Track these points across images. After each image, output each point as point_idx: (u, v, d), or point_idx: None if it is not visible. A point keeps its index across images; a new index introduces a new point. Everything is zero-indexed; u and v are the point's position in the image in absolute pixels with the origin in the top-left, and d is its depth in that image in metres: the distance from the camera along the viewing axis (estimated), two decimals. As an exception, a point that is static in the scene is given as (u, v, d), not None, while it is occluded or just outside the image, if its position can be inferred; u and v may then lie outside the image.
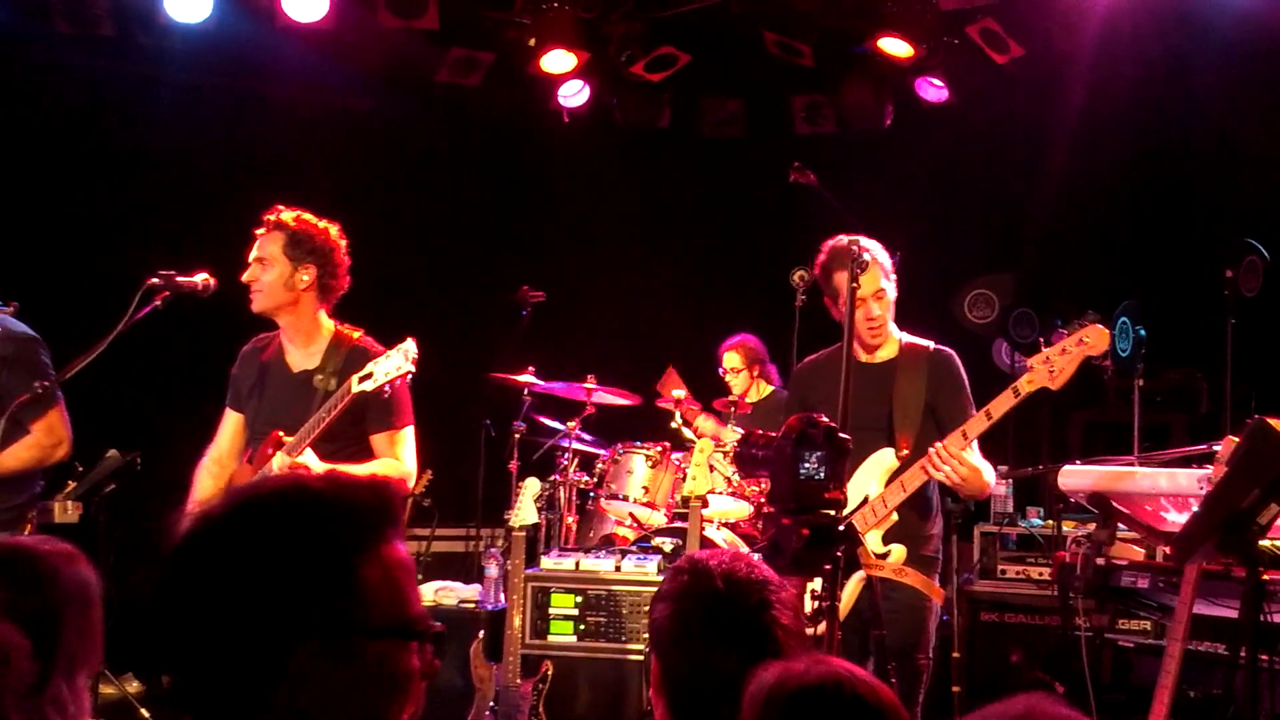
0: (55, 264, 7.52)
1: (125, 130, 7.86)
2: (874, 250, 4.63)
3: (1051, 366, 4.26)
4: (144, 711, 6.39)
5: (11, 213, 7.61)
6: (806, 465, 3.32)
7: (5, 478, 4.71)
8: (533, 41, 8.20)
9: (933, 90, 8.32)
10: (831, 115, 8.90)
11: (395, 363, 4.33)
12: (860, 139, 8.69)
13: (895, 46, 7.90)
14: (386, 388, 4.34)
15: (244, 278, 4.58)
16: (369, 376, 4.33)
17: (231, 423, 4.83)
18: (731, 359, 7.60)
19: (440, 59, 8.32)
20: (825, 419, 3.40)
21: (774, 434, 3.50)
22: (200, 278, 4.56)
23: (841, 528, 3.37)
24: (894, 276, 4.76)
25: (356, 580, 1.52)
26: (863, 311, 4.63)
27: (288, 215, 4.60)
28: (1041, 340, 4.38)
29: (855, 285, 4.32)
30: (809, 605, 3.69)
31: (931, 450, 4.41)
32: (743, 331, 7.72)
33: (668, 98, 8.99)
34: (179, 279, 4.49)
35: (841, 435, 3.40)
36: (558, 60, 8.19)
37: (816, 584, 3.50)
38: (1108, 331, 4.27)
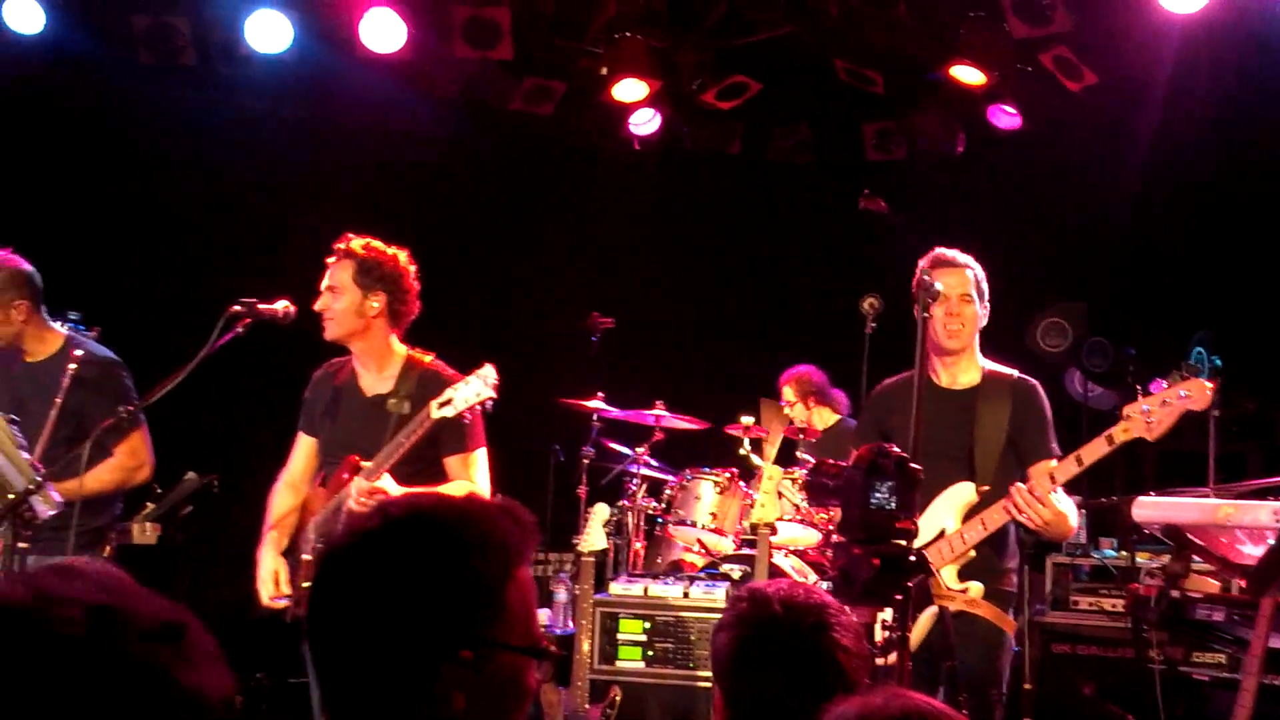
0: (137, 290, 7.70)
1: (206, 158, 8.04)
2: (972, 264, 4.64)
3: (1150, 418, 4.20)
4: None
5: (95, 239, 7.81)
6: (878, 495, 3.32)
7: (87, 499, 4.82)
8: (605, 70, 8.29)
9: (1005, 117, 8.29)
10: (902, 142, 8.90)
11: (475, 389, 4.39)
12: (931, 166, 8.67)
13: (967, 74, 7.88)
14: (466, 414, 4.40)
15: (316, 306, 4.67)
16: (448, 402, 4.40)
17: (305, 446, 4.92)
18: (786, 393, 7.59)
19: (513, 88, 8.43)
20: (896, 449, 3.41)
21: (844, 463, 3.51)
22: (280, 305, 4.64)
23: (913, 558, 3.37)
24: (986, 295, 4.74)
25: (503, 601, 1.63)
26: (944, 309, 4.62)
27: (357, 243, 4.69)
28: (1139, 388, 4.32)
29: (927, 315, 4.32)
30: (879, 635, 3.68)
31: (1014, 491, 4.37)
32: (805, 361, 7.71)
33: (738, 125, 9.04)
34: (260, 306, 4.57)
35: (913, 465, 3.40)
36: (629, 89, 8.27)
37: (888, 614, 3.50)
38: (1211, 386, 4.19)
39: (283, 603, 4.71)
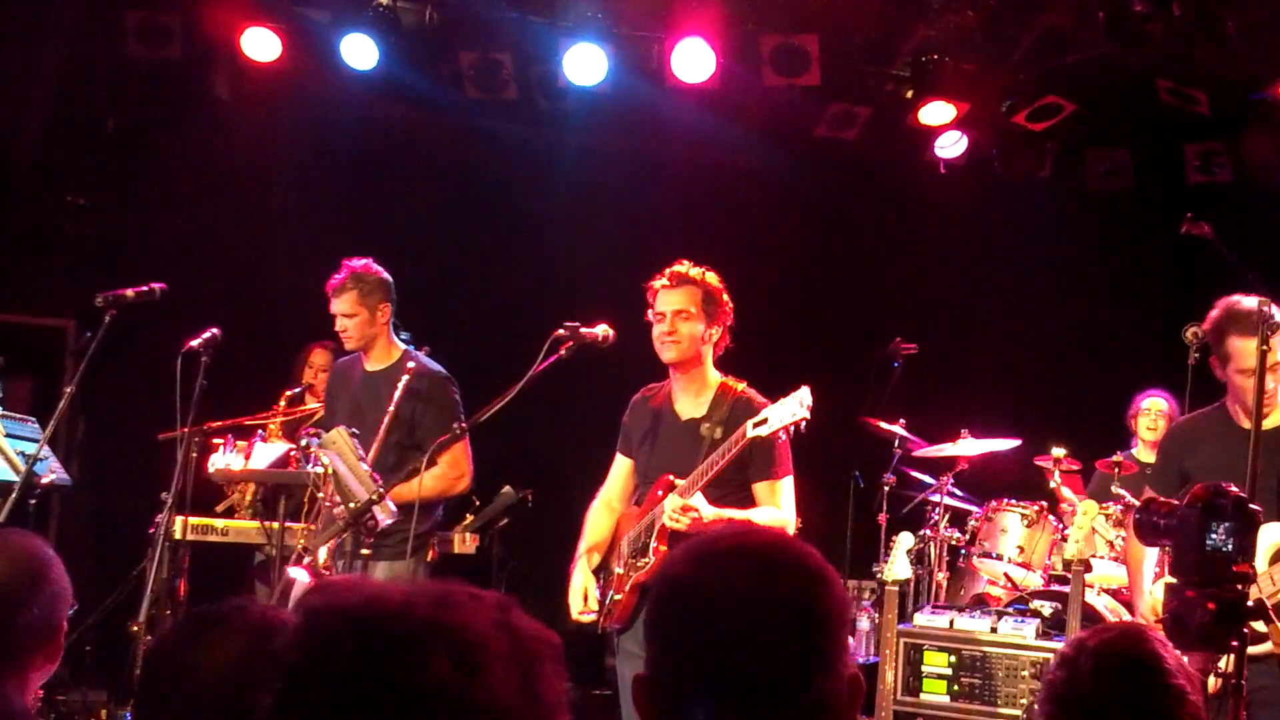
0: (466, 312, 8.12)
1: (528, 187, 8.43)
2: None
3: None
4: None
5: (427, 264, 8.27)
6: (1214, 536, 3.18)
7: (413, 504, 5.05)
8: (911, 93, 8.23)
9: (1341, 137, 7.79)
10: (1228, 165, 8.47)
11: (790, 409, 4.43)
12: (1260, 190, 8.21)
13: (1299, 93, 7.45)
14: (781, 433, 4.45)
15: (663, 328, 4.74)
16: (764, 422, 4.45)
17: (622, 467, 5.06)
18: (1159, 403, 7.23)
19: (818, 114, 8.46)
20: (1235, 489, 3.26)
21: (1177, 502, 3.38)
22: (601, 329, 4.79)
23: (1250, 603, 3.22)
24: None
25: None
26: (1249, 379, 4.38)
27: (697, 272, 4.78)
28: None
29: (1266, 348, 4.11)
30: (1212, 684, 3.52)
31: None
32: (1122, 394, 7.40)
33: (1050, 147, 8.80)
34: (583, 330, 4.73)
35: (1252, 507, 3.25)
36: (937, 112, 8.19)
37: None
38: None
39: (590, 617, 4.85)
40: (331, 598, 1.31)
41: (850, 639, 6.24)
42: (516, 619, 1.31)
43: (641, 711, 1.66)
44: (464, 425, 4.80)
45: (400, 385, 5.07)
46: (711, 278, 4.79)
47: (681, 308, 4.73)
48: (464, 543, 6.71)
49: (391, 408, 5.08)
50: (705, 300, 4.74)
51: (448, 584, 1.34)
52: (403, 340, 5.77)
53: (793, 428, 4.46)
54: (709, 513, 4.45)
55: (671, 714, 1.63)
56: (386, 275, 5.60)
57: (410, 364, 5.25)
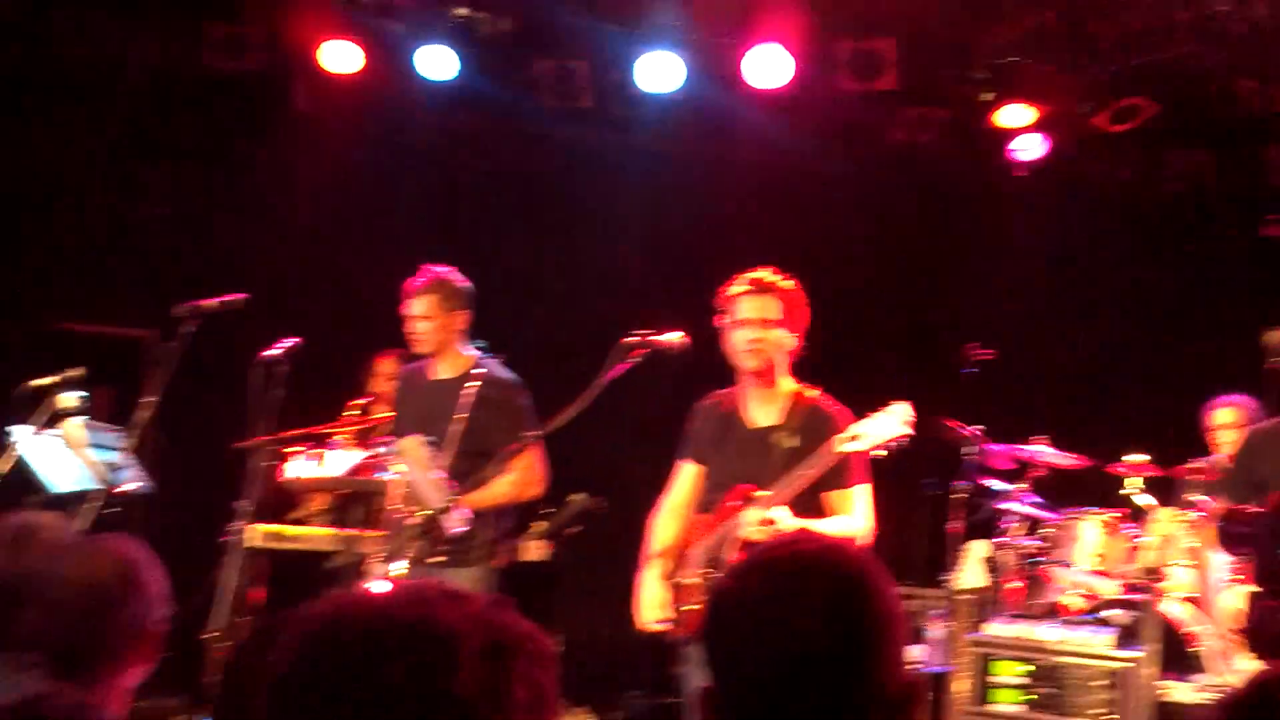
0: (540, 319, 8.18)
1: (602, 193, 8.47)
2: None
3: None
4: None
5: (501, 271, 8.34)
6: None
7: (484, 511, 5.11)
8: (989, 96, 8.15)
9: None
10: (1313, 167, 8.29)
11: (890, 426, 4.39)
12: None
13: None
14: (880, 450, 4.42)
15: (749, 337, 4.74)
16: (856, 438, 4.41)
17: (689, 474, 5.05)
18: (1226, 415, 7.08)
19: (895, 118, 8.41)
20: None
21: (1260, 509, 3.33)
22: (675, 336, 4.78)
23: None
24: None
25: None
26: None
27: (781, 279, 4.78)
28: None
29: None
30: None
31: None
32: (1197, 400, 7.26)
33: (1130, 149, 8.66)
34: (655, 338, 4.74)
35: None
36: (1015, 114, 8.11)
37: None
38: None
39: (661, 626, 4.86)
40: (317, 609, 1.38)
41: (921, 647, 6.18)
42: (501, 619, 1.36)
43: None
44: (537, 432, 4.83)
45: (470, 393, 5.11)
46: (793, 285, 4.78)
47: (766, 315, 4.72)
48: (535, 550, 6.75)
49: (462, 415, 5.12)
50: (788, 308, 4.74)
51: (433, 585, 1.40)
52: (478, 347, 5.82)
53: (894, 444, 4.40)
54: (790, 525, 4.44)
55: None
56: (468, 284, 5.63)
57: (481, 371, 5.28)
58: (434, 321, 5.52)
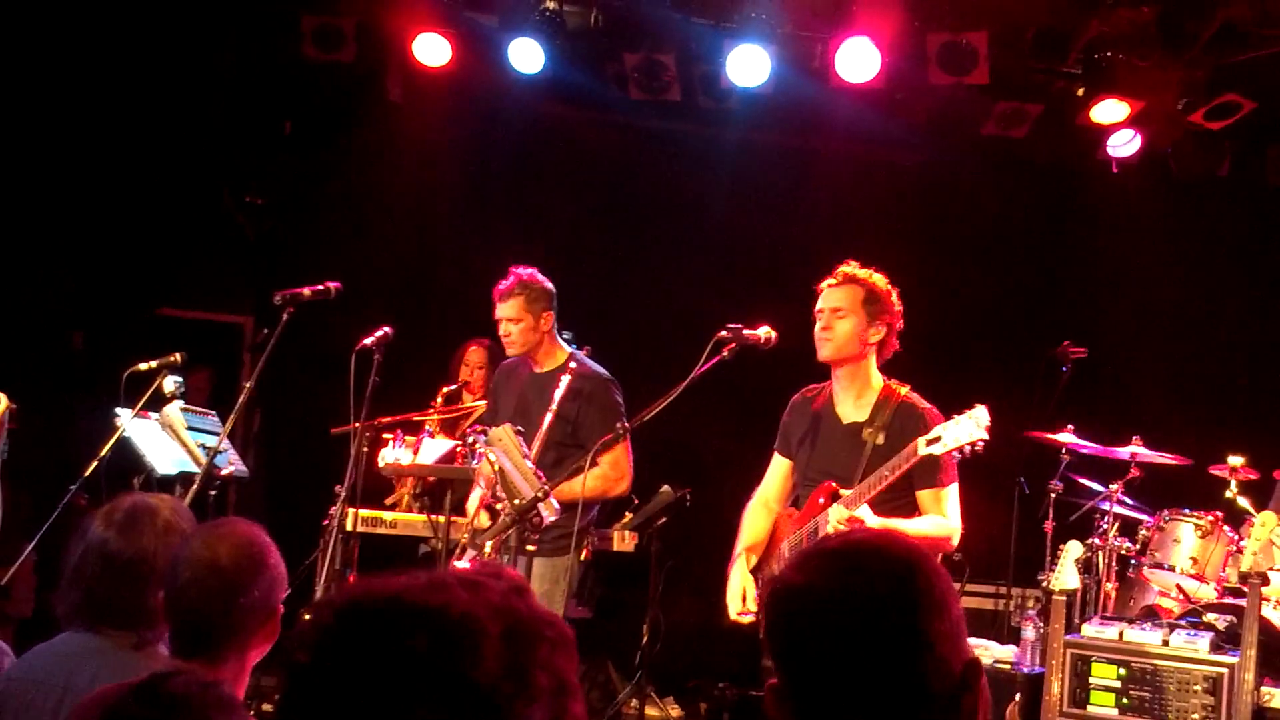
0: (628, 311, 8.20)
1: (690, 186, 8.47)
2: None
3: None
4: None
5: (589, 263, 8.38)
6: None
7: (570, 503, 5.11)
8: (1083, 91, 8.03)
9: None
10: None
11: (967, 430, 4.36)
12: None
13: None
14: (955, 453, 4.40)
15: (820, 326, 4.76)
16: (937, 440, 4.39)
17: (780, 468, 5.04)
18: None
19: (987, 111, 8.31)
20: None
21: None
22: (763, 331, 4.78)
23: None
24: None
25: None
26: None
27: (864, 272, 4.77)
28: None
29: None
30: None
31: None
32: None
33: (1228, 145, 8.49)
34: (745, 332, 4.74)
35: None
36: (1109, 110, 7.98)
37: None
38: None
39: (749, 618, 4.85)
40: (335, 594, 1.39)
41: (1015, 647, 6.10)
42: (521, 604, 1.34)
43: (772, 716, 1.71)
44: (627, 425, 4.84)
45: (563, 385, 5.15)
46: (878, 279, 4.77)
47: (840, 305, 4.73)
48: (623, 540, 6.77)
49: (554, 407, 5.17)
50: (867, 300, 4.72)
51: (452, 572, 1.38)
52: (564, 339, 5.86)
53: (969, 449, 4.39)
54: (874, 524, 4.41)
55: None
56: (550, 285, 5.73)
57: (573, 365, 5.35)
58: (521, 323, 5.62)
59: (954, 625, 1.69)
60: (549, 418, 5.25)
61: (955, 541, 4.84)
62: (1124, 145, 8.38)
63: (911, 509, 4.67)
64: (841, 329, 4.72)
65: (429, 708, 1.24)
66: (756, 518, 5.02)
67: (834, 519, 4.50)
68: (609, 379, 5.64)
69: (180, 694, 1.87)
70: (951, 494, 4.69)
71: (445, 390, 7.06)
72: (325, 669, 1.29)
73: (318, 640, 1.31)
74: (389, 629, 1.28)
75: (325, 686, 1.28)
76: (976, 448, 4.39)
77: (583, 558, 5.65)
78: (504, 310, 5.65)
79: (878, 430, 4.70)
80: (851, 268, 4.79)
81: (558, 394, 5.22)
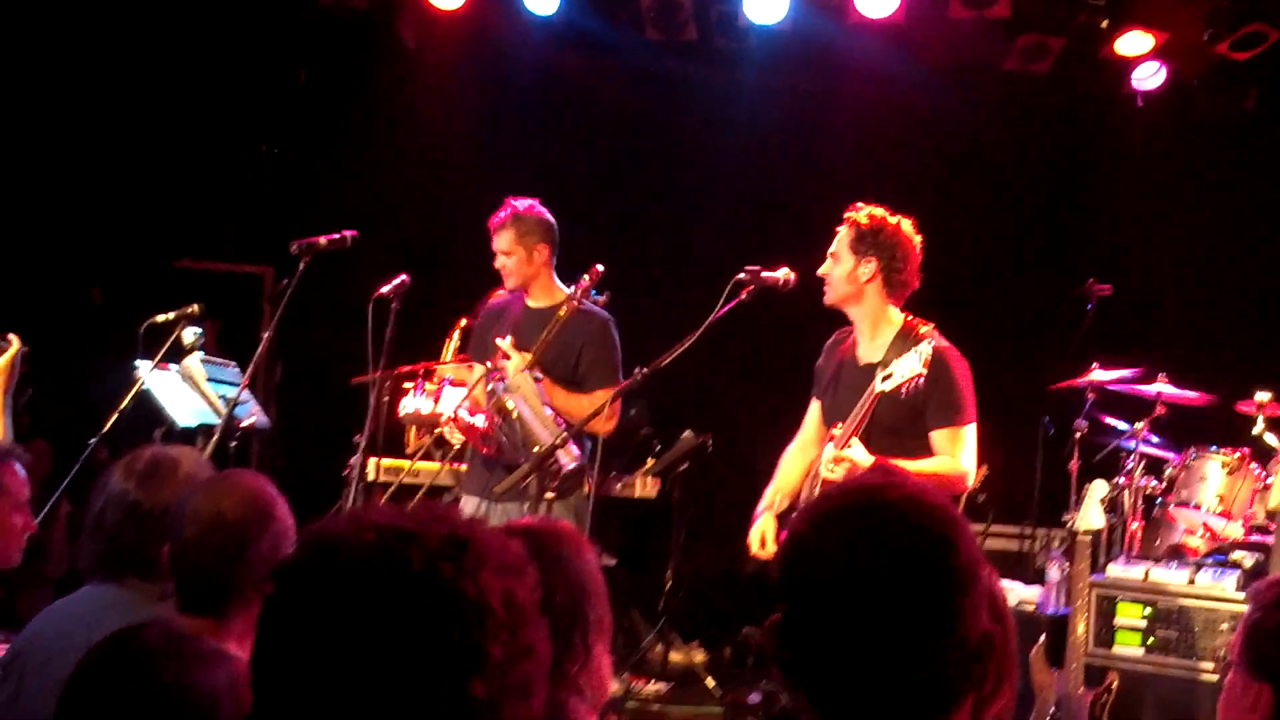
0: (646, 254, 8.16)
1: (707, 128, 8.39)
2: None
3: None
4: (709, 680, 6.77)
5: (606, 207, 8.33)
6: None
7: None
8: (1106, 23, 7.89)
9: None
10: None
11: (910, 364, 4.38)
12: None
13: None
14: (904, 388, 4.37)
15: (819, 271, 4.75)
16: (889, 376, 4.40)
17: (815, 412, 4.99)
18: None
19: (1008, 47, 8.19)
20: None
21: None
22: (782, 273, 4.72)
23: None
24: None
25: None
26: None
27: (860, 212, 4.71)
28: None
29: None
30: None
31: None
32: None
33: (1255, 77, 8.34)
34: (764, 274, 4.67)
35: None
36: (1134, 42, 7.85)
37: None
38: None
39: (766, 557, 4.82)
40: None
41: (1040, 588, 6.08)
42: (474, 532, 1.40)
43: (770, 653, 1.65)
44: (645, 370, 4.78)
45: (559, 322, 5.06)
46: (866, 215, 4.69)
47: (835, 248, 4.71)
48: (645, 487, 6.76)
49: (548, 336, 5.05)
50: (856, 239, 4.67)
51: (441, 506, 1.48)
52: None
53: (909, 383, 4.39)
54: (865, 461, 4.36)
55: (792, 662, 1.63)
56: (549, 217, 5.57)
57: (571, 302, 5.18)
58: (514, 256, 5.48)
59: (978, 597, 1.61)
60: (542, 349, 5.09)
61: (968, 483, 4.74)
62: (1149, 78, 8.25)
63: (927, 448, 4.61)
64: (835, 274, 4.70)
65: (378, 619, 1.31)
66: (791, 461, 4.98)
67: (825, 459, 4.48)
68: (606, 318, 5.54)
69: (154, 646, 1.84)
70: (967, 434, 4.61)
71: (461, 324, 6.84)
72: (289, 597, 1.37)
73: (284, 570, 1.39)
74: (390, 543, 1.35)
75: (290, 613, 1.35)
76: (918, 383, 4.43)
77: (585, 491, 5.46)
78: (497, 243, 5.51)
79: (889, 370, 4.65)
80: (854, 210, 4.73)
81: (552, 328, 5.08)
